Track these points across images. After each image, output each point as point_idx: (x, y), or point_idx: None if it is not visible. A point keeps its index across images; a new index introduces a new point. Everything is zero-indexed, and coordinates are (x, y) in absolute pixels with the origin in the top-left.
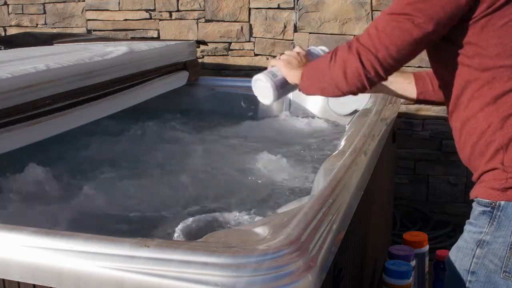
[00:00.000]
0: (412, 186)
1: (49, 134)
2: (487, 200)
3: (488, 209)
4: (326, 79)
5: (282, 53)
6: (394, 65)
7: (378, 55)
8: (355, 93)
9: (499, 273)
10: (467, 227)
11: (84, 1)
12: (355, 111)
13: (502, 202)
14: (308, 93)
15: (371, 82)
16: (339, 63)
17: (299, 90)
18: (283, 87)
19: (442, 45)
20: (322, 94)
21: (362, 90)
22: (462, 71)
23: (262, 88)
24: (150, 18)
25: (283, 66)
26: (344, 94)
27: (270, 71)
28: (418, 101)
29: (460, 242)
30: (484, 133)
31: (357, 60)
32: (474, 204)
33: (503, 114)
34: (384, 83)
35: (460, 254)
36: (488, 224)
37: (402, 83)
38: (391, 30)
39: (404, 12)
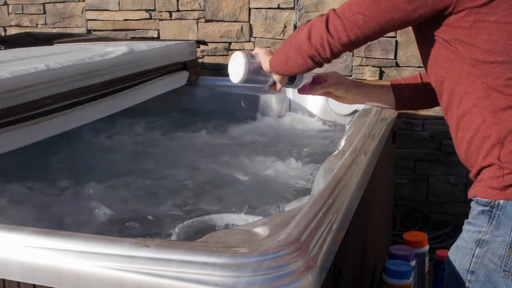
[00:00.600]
0: (412, 186)
1: (49, 134)
2: (486, 200)
3: (487, 208)
4: (292, 44)
5: (268, 47)
6: (359, 37)
7: (345, 21)
8: (316, 60)
9: (498, 272)
10: (466, 227)
11: (84, 1)
12: (355, 111)
13: (501, 201)
14: (276, 69)
15: (331, 48)
16: (307, 27)
17: (268, 87)
18: (255, 71)
19: (432, 41)
20: (286, 68)
21: (323, 56)
22: (453, 67)
23: (236, 64)
24: (150, 18)
25: (262, 54)
26: (305, 61)
27: (251, 54)
28: (398, 108)
29: (459, 241)
30: (479, 128)
31: (323, 23)
32: (472, 204)
33: (497, 109)
34: (362, 93)
35: (460, 254)
36: (488, 224)
37: (380, 93)
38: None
39: None
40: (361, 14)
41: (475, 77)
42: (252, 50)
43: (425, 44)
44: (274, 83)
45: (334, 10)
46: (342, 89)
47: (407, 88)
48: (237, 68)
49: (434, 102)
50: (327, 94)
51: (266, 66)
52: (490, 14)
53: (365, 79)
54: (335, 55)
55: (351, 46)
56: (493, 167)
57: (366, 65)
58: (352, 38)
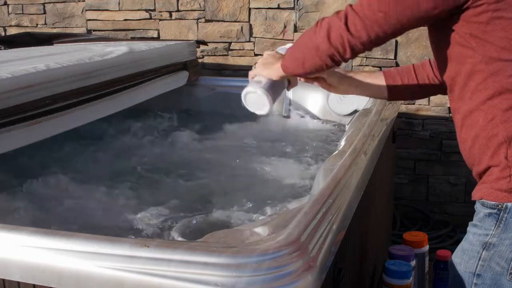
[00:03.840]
0: (412, 186)
1: (49, 134)
2: (493, 202)
3: (495, 211)
4: (309, 45)
5: (255, 63)
6: (380, 35)
7: (365, 20)
8: (336, 60)
9: (505, 275)
10: (471, 229)
11: (84, 1)
12: (355, 111)
13: (509, 204)
14: (291, 71)
15: (352, 48)
16: (324, 26)
17: (288, 85)
18: (272, 89)
19: (446, 36)
20: (303, 70)
21: (343, 55)
22: (466, 63)
23: (254, 100)
24: (150, 18)
25: (262, 70)
26: (323, 62)
27: (254, 81)
28: (390, 98)
29: (464, 244)
30: (486, 126)
31: (342, 22)
32: (478, 206)
33: (508, 107)
34: (354, 83)
35: (466, 257)
36: (495, 227)
37: (372, 83)
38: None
39: None
40: (382, 12)
41: (488, 75)
42: (253, 50)
43: (438, 38)
44: (289, 82)
45: (351, 7)
46: (335, 77)
47: (399, 79)
48: (257, 101)
49: (426, 94)
50: (318, 80)
51: (278, 74)
52: (508, 10)
53: None
54: (356, 54)
55: (371, 45)
56: (500, 166)
57: (366, 65)
58: (373, 37)
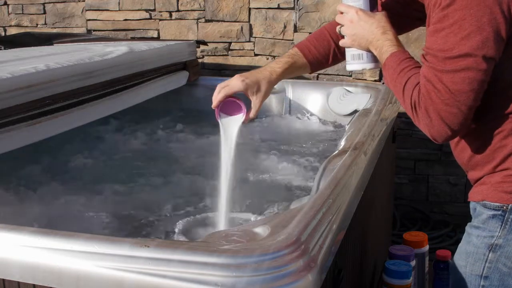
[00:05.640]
0: (412, 186)
1: (49, 134)
2: (498, 204)
3: (499, 212)
4: (396, 88)
5: (340, 26)
6: (475, 106)
7: (461, 108)
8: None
9: None
10: (474, 232)
11: (84, 1)
12: (355, 111)
13: None
14: (384, 79)
15: (457, 134)
16: (423, 126)
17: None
18: (373, 57)
19: None
20: (388, 81)
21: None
22: None
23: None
24: (150, 18)
25: (356, 44)
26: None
27: (352, 56)
28: (312, 71)
29: (468, 247)
30: (492, 139)
31: (441, 123)
32: (478, 207)
33: None
34: (278, 76)
35: (471, 259)
36: (500, 228)
37: (294, 66)
38: (461, 80)
39: (462, 54)
40: (471, 92)
41: (505, 97)
42: (253, 50)
43: None
44: None
45: (433, 100)
46: (268, 91)
47: (313, 49)
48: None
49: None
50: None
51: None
52: None
53: (365, 79)
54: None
55: (459, 130)
56: (506, 172)
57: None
58: (472, 113)
